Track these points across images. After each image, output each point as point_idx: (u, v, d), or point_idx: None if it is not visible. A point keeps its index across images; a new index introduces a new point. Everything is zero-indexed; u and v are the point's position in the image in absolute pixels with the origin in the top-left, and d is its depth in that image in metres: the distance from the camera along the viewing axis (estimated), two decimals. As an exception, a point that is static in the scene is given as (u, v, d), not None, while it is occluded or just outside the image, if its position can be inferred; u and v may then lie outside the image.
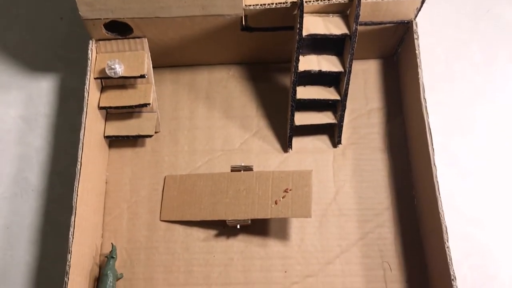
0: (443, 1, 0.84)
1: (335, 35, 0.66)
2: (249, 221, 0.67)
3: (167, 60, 0.77)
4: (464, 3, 0.84)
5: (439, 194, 0.62)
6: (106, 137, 0.73)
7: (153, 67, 0.73)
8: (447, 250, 0.59)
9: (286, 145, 0.75)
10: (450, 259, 0.59)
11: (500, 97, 0.78)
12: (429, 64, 0.80)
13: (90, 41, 0.70)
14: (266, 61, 0.79)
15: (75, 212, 0.62)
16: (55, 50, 0.83)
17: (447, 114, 0.77)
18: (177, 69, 0.80)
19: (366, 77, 0.79)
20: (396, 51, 0.77)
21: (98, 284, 0.66)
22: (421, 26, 0.76)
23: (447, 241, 0.60)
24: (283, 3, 0.66)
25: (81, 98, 0.68)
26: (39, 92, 0.81)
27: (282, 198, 0.67)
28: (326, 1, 0.66)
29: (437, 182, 0.63)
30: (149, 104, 0.71)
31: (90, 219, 0.67)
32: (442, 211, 0.61)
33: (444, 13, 0.83)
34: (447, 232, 0.60)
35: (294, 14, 0.66)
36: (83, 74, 0.70)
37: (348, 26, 0.67)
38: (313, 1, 0.66)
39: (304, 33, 0.66)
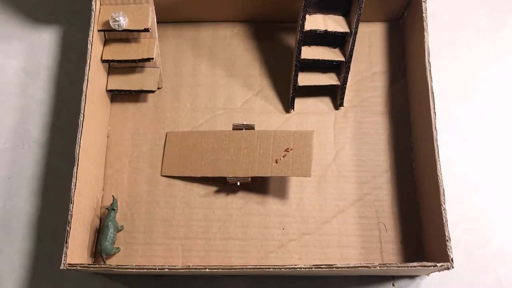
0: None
1: (343, -6, 0.66)
2: (249, 179, 0.68)
3: (170, 15, 0.76)
4: (474, -33, 0.83)
5: (439, 157, 0.63)
6: (109, 91, 0.73)
7: (157, 22, 0.72)
8: (443, 212, 0.60)
9: (288, 106, 0.75)
10: (446, 221, 0.60)
11: (504, 64, 0.78)
12: (435, 30, 0.79)
13: (94, -8, 0.69)
14: (272, 19, 0.78)
15: (78, 163, 0.62)
16: (58, 1, 0.82)
17: (450, 80, 0.77)
18: (180, 25, 0.79)
19: (371, 40, 0.78)
20: (403, 14, 0.77)
21: (99, 234, 0.67)
22: None
23: (444, 203, 0.61)
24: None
25: (83, 50, 0.68)
26: (41, 44, 0.80)
27: (283, 157, 0.68)
28: (335, -42, 0.65)
29: (437, 145, 0.63)
30: (152, 58, 0.70)
31: (92, 172, 0.68)
32: (441, 174, 0.62)
33: (453, -22, 0.82)
34: (444, 194, 0.61)
35: (302, -29, 0.65)
36: (85, 27, 0.69)
37: (356, -15, 0.66)
38: (322, -42, 0.65)
39: (312, -10, 0.65)
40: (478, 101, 0.76)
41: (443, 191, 0.61)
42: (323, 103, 0.76)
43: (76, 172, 0.62)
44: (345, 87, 0.73)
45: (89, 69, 0.66)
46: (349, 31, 0.68)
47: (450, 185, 0.71)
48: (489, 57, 0.78)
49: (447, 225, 0.60)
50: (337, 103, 0.75)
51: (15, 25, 0.81)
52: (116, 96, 0.76)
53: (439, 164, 0.62)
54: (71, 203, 0.61)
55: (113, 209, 0.68)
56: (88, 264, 0.63)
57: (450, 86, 0.77)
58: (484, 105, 0.76)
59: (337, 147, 0.73)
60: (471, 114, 0.76)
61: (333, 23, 0.69)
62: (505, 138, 0.75)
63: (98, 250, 0.66)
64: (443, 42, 0.79)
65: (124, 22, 0.68)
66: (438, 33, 0.79)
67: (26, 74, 0.78)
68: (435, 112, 0.65)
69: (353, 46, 0.69)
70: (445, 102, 0.76)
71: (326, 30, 0.68)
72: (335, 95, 0.75)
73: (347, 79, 0.72)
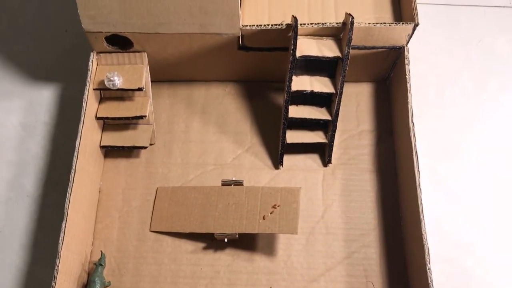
0: (437, 29, 0.86)
1: (328, 57, 0.68)
2: (237, 235, 0.69)
3: (165, 74, 0.79)
4: (458, 32, 0.86)
5: (423, 216, 0.63)
6: (102, 147, 0.75)
7: (151, 81, 0.75)
8: (428, 272, 0.60)
9: (277, 162, 0.76)
10: (431, 281, 0.60)
11: (489, 125, 0.80)
12: (421, 90, 0.82)
13: (92, 53, 0.73)
14: (262, 79, 0.81)
15: (66, 218, 0.63)
16: (58, 61, 0.86)
17: (436, 139, 0.79)
18: (175, 84, 0.82)
19: (358, 100, 0.81)
20: (389, 75, 0.79)
21: (85, 290, 0.67)
22: (415, 53, 0.79)
23: (429, 263, 0.61)
24: (279, 25, 0.68)
25: (80, 108, 0.70)
26: (40, 101, 0.83)
27: (270, 213, 0.68)
28: (320, 24, 0.68)
29: (421, 204, 0.64)
30: (145, 116, 0.73)
31: (81, 226, 0.68)
32: (425, 233, 0.63)
33: (438, 41, 0.86)
34: (429, 254, 0.61)
35: (289, 35, 0.69)
36: (83, 85, 0.72)
37: (340, 49, 0.69)
38: (308, 24, 0.68)
39: (298, 54, 0.68)
40: (463, 160, 0.77)
41: (428, 251, 0.62)
42: (312, 160, 0.77)
43: (65, 227, 0.63)
44: (332, 145, 0.74)
45: (82, 127, 0.69)
46: (334, 91, 0.71)
47: (439, 243, 0.71)
48: (473, 117, 0.80)
49: (432, 285, 0.60)
50: (325, 160, 0.76)
51: (17, 82, 0.84)
52: (110, 151, 0.77)
53: (424, 224, 0.63)
54: (58, 257, 0.62)
55: (101, 265, 0.68)
56: (71, 321, 0.62)
57: (438, 145, 0.79)
58: (471, 163, 0.77)
59: (325, 204, 0.74)
60: (457, 172, 0.77)
61: (319, 84, 0.71)
62: (491, 198, 0.75)
63: (83, 306, 0.66)
64: (429, 102, 0.81)
65: (118, 81, 0.71)
66: (424, 94, 0.82)
67: (24, 129, 0.81)
68: (419, 171, 0.66)
69: (339, 106, 0.71)
70: (433, 160, 0.77)
71: (312, 90, 0.71)
72: (323, 152, 0.77)
73: (334, 137, 0.74)
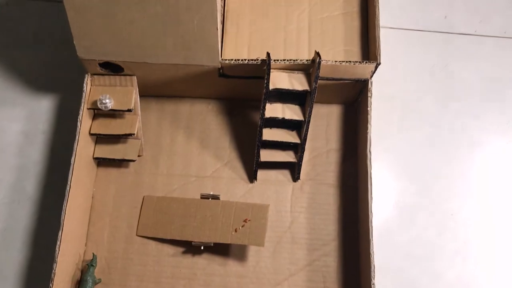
0: (407, 53, 0.93)
1: (297, 90, 0.76)
2: (212, 244, 0.78)
3: (153, 91, 0.87)
4: (426, 57, 0.93)
5: (372, 237, 0.73)
6: (95, 158, 0.84)
7: (140, 96, 0.83)
8: (372, 287, 0.70)
9: (252, 177, 0.85)
10: (374, 294, 0.70)
11: (447, 148, 0.88)
12: (387, 111, 0.90)
13: (86, 75, 0.80)
14: (241, 98, 0.89)
15: (62, 228, 0.73)
16: (57, 72, 0.93)
17: (396, 158, 0.88)
18: (162, 99, 0.89)
19: (328, 120, 0.89)
20: (357, 99, 0.87)
21: (79, 286, 0.77)
22: (384, 75, 0.87)
23: (373, 279, 0.71)
24: (255, 60, 0.76)
25: (77, 118, 0.78)
26: (39, 110, 0.91)
27: (242, 227, 0.78)
28: (291, 60, 0.76)
29: (372, 226, 0.73)
30: (133, 134, 0.81)
31: (76, 232, 0.78)
32: (373, 252, 0.72)
33: (406, 64, 0.93)
34: (374, 271, 0.71)
35: (264, 68, 0.76)
36: (79, 96, 0.79)
37: (309, 83, 0.77)
38: (280, 60, 0.75)
39: (271, 86, 0.76)
40: (419, 180, 0.86)
41: (374, 268, 0.72)
42: (283, 175, 0.86)
43: (61, 236, 0.72)
44: (301, 164, 0.83)
45: (77, 144, 0.77)
46: (303, 119, 0.79)
47: (390, 255, 0.81)
48: (432, 140, 0.88)
49: (375, 298, 0.70)
50: (295, 176, 0.85)
51: (20, 92, 0.92)
52: (102, 161, 0.86)
53: (372, 244, 0.73)
54: (55, 263, 0.71)
55: (92, 265, 0.78)
56: (66, 317, 0.73)
57: (395, 165, 0.87)
58: (424, 184, 0.86)
59: (293, 216, 0.84)
60: (413, 191, 0.86)
61: (290, 112, 0.79)
62: (441, 216, 0.85)
63: (77, 302, 0.76)
64: (393, 123, 0.90)
65: (110, 104, 0.79)
66: (389, 115, 0.90)
67: (25, 137, 0.89)
68: (372, 197, 0.75)
69: (307, 131, 0.79)
70: (390, 178, 0.86)
71: (283, 117, 0.79)
72: (294, 169, 0.85)
73: (302, 157, 0.82)
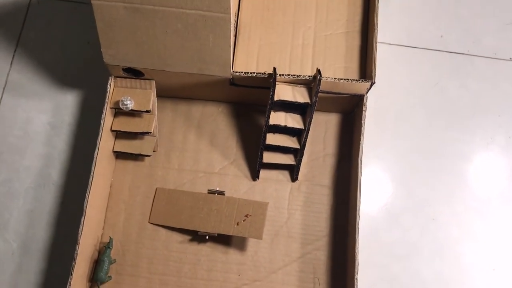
0: (402, 68, 1.01)
1: (299, 102, 0.85)
2: (216, 234, 0.88)
3: (169, 93, 0.96)
4: (419, 74, 1.01)
5: (358, 237, 0.82)
6: (114, 152, 0.93)
7: (157, 96, 0.92)
8: (355, 281, 0.80)
9: (255, 175, 0.94)
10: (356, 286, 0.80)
11: (434, 158, 0.97)
12: (380, 122, 0.98)
13: (110, 78, 0.89)
14: (249, 103, 0.97)
15: (85, 214, 0.82)
16: (82, 70, 1.02)
17: (387, 165, 0.96)
18: (177, 101, 0.98)
19: (327, 127, 0.97)
20: (353, 110, 0.96)
21: (96, 266, 0.87)
22: (380, 88, 0.95)
23: (357, 274, 0.81)
24: (262, 73, 0.84)
25: (99, 112, 0.87)
26: (66, 104, 1.00)
27: (243, 221, 0.87)
28: (295, 76, 0.84)
29: (358, 227, 0.83)
30: (150, 132, 0.90)
31: (96, 217, 0.88)
32: (358, 250, 0.82)
33: (401, 79, 1.01)
34: (358, 267, 0.81)
35: (270, 81, 0.85)
36: (102, 92, 0.88)
37: (310, 96, 0.85)
38: (285, 75, 0.84)
39: (276, 98, 0.84)
40: (405, 186, 0.95)
41: (358, 265, 0.81)
42: (283, 175, 0.95)
43: (83, 221, 0.82)
44: (299, 167, 0.92)
45: (100, 139, 0.86)
46: (303, 128, 0.88)
47: (375, 251, 0.91)
48: (420, 150, 0.97)
49: (357, 290, 0.80)
50: (293, 177, 0.94)
51: (48, 86, 1.01)
52: (121, 155, 0.95)
53: (358, 243, 0.82)
54: (77, 244, 0.81)
55: (109, 247, 0.88)
56: (86, 292, 0.83)
57: (385, 171, 0.96)
58: (409, 190, 0.95)
59: (290, 212, 0.93)
60: (399, 196, 0.95)
61: (292, 120, 0.88)
62: (424, 220, 0.94)
63: (94, 279, 0.86)
64: (385, 133, 0.98)
65: (130, 105, 0.88)
66: (382, 126, 0.98)
67: (52, 128, 0.99)
68: (360, 202, 0.84)
69: (306, 139, 0.88)
70: (379, 184, 0.95)
71: (286, 125, 0.87)
72: (293, 170, 0.94)
73: (301, 161, 0.91)
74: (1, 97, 1.00)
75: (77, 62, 1.02)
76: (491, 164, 0.97)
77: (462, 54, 1.02)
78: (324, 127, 0.97)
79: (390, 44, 1.02)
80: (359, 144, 0.87)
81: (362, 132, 0.87)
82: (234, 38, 0.89)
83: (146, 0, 0.75)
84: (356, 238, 0.82)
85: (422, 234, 0.93)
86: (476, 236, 0.93)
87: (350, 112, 0.96)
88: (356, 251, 0.82)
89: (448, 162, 0.97)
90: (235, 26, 0.91)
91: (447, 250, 0.93)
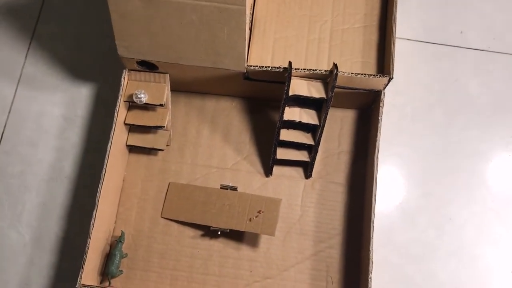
0: (420, 65, 0.99)
1: (315, 97, 0.83)
2: (228, 230, 0.87)
3: (183, 87, 0.95)
4: (438, 69, 0.99)
5: (372, 235, 0.80)
6: (128, 146, 0.93)
7: (171, 90, 0.91)
8: (369, 280, 0.78)
9: (268, 171, 0.93)
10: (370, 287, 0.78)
11: (451, 157, 0.94)
12: (397, 119, 0.96)
13: (124, 71, 0.88)
14: (263, 98, 0.96)
15: (97, 207, 0.82)
16: (96, 62, 1.01)
17: (402, 164, 0.94)
18: (190, 95, 0.97)
19: (342, 124, 0.96)
20: (370, 106, 0.94)
21: (107, 260, 0.87)
22: (397, 84, 0.94)
23: (371, 273, 0.79)
24: (277, 67, 0.83)
25: (112, 106, 0.87)
26: (79, 97, 1.00)
27: (255, 217, 0.86)
28: (311, 70, 0.82)
29: (373, 226, 0.81)
30: (163, 126, 0.89)
31: (108, 211, 0.87)
32: (372, 249, 0.80)
33: (419, 76, 0.99)
34: (372, 266, 0.79)
35: (285, 75, 0.83)
36: (115, 86, 0.88)
37: (326, 91, 0.84)
38: (301, 69, 0.82)
39: (290, 93, 0.83)
40: (422, 186, 0.93)
41: (372, 263, 0.79)
42: (296, 172, 0.94)
43: (95, 214, 0.82)
44: (313, 164, 0.91)
45: (113, 133, 0.86)
46: (318, 123, 0.86)
47: (388, 251, 0.89)
48: (438, 149, 0.95)
49: (371, 290, 0.78)
50: (307, 174, 0.93)
51: (62, 79, 1.01)
52: (134, 148, 0.95)
53: (372, 242, 0.80)
54: (89, 238, 0.81)
55: (121, 241, 0.87)
56: (97, 286, 0.82)
57: (401, 170, 0.94)
58: (426, 190, 0.93)
59: (303, 210, 0.92)
60: (416, 196, 0.93)
61: (307, 116, 0.86)
62: (441, 221, 0.92)
63: (105, 272, 0.86)
64: (402, 131, 0.96)
65: (144, 98, 0.87)
66: (399, 123, 0.96)
67: (65, 121, 0.99)
68: (375, 199, 0.82)
69: (321, 135, 0.87)
70: (395, 183, 0.93)
71: (300, 121, 0.86)
72: (307, 167, 0.93)
73: (315, 158, 0.90)
74: (16, 90, 1.00)
75: (91, 55, 1.02)
76: (511, 164, 0.95)
77: (483, 50, 0.99)
78: (340, 124, 0.96)
79: (408, 39, 1.00)
80: (375, 141, 0.85)
81: (379, 128, 0.85)
82: (249, 31, 0.88)
83: (161, -9, 0.75)
84: (371, 236, 0.81)
85: (438, 235, 0.91)
86: (494, 237, 0.91)
87: (367, 108, 0.95)
88: (370, 249, 0.80)
89: (467, 161, 0.95)
90: (251, 19, 0.90)
91: (464, 251, 0.90)
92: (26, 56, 1.02)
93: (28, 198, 0.94)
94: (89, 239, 0.81)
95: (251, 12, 0.90)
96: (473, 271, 0.90)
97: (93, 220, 0.82)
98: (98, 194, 0.83)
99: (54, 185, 0.95)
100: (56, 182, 0.95)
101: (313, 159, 0.90)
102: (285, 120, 0.86)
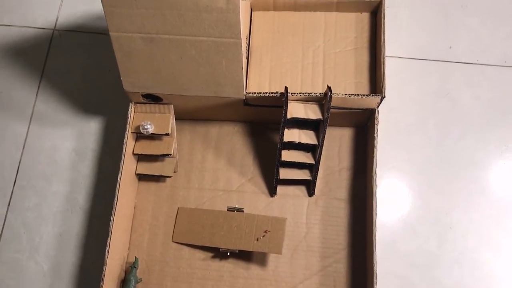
0: (412, 81, 1.03)
1: (312, 119, 0.88)
2: (237, 250, 0.91)
3: (187, 115, 1.00)
4: (430, 84, 1.03)
5: (375, 248, 0.84)
6: (137, 174, 0.97)
7: (176, 119, 0.96)
8: (374, 291, 0.82)
9: (272, 192, 0.97)
10: (376, 298, 0.82)
11: (448, 167, 0.98)
12: (392, 135, 1.00)
13: (130, 104, 0.93)
14: (263, 121, 1.00)
15: (110, 236, 0.86)
16: (103, 96, 1.07)
17: (400, 178, 0.98)
18: (194, 122, 1.02)
19: (341, 142, 0.99)
20: (366, 124, 0.98)
21: (123, 286, 0.91)
22: (391, 101, 0.98)
23: (376, 285, 0.82)
24: (275, 93, 0.87)
25: (120, 137, 0.91)
26: (89, 130, 1.05)
27: (262, 237, 0.90)
28: (306, 94, 0.87)
29: (375, 239, 0.84)
30: (170, 154, 0.94)
31: (121, 238, 0.91)
32: (376, 262, 0.83)
33: (412, 91, 1.03)
34: (376, 278, 0.82)
35: (283, 100, 0.88)
36: (123, 118, 0.93)
37: (322, 112, 0.88)
38: (297, 93, 0.87)
39: (288, 116, 0.87)
40: (420, 198, 0.97)
41: (376, 276, 0.82)
42: (300, 191, 0.97)
43: (109, 242, 0.86)
44: (315, 181, 0.94)
45: (123, 163, 0.90)
46: (317, 143, 0.90)
47: (394, 261, 0.92)
48: (433, 161, 0.98)
49: (377, 301, 0.81)
50: (310, 192, 0.96)
51: (71, 114, 1.06)
52: (143, 177, 0.99)
53: (375, 254, 0.83)
54: (104, 265, 0.85)
55: (135, 267, 0.91)
56: (114, 311, 0.86)
57: (398, 184, 0.98)
58: (424, 202, 0.97)
59: (308, 227, 0.95)
60: (414, 208, 0.96)
61: (306, 136, 0.91)
62: (441, 230, 0.95)
63: (122, 298, 0.90)
64: (398, 146, 1.00)
65: (151, 129, 0.92)
66: (394, 138, 1.00)
67: (76, 154, 1.03)
68: (376, 213, 0.86)
69: (321, 154, 0.91)
70: (395, 195, 0.97)
71: (300, 142, 0.90)
72: (309, 185, 0.97)
73: (317, 176, 0.94)
74: (29, 127, 1.05)
75: (98, 90, 1.07)
76: (507, 171, 0.98)
77: (472, 64, 1.03)
78: (339, 142, 1.00)
79: (400, 57, 1.04)
80: (373, 157, 0.89)
81: (375, 145, 0.89)
82: (246, 60, 0.93)
83: (161, 30, 0.80)
84: (374, 249, 0.84)
85: (440, 244, 0.94)
86: (495, 243, 0.94)
87: (363, 125, 0.99)
88: (374, 262, 0.83)
89: (463, 171, 0.98)
90: (247, 49, 0.95)
91: (466, 259, 0.93)
92: (36, 94, 1.08)
93: (45, 229, 0.99)
94: (104, 266, 0.85)
95: (247, 43, 0.95)
96: (476, 277, 0.92)
97: (107, 248, 0.86)
98: (111, 223, 0.87)
99: (69, 216, 0.99)
100: (71, 213, 1.00)
101: (314, 177, 0.94)
102: (285, 142, 0.90)
